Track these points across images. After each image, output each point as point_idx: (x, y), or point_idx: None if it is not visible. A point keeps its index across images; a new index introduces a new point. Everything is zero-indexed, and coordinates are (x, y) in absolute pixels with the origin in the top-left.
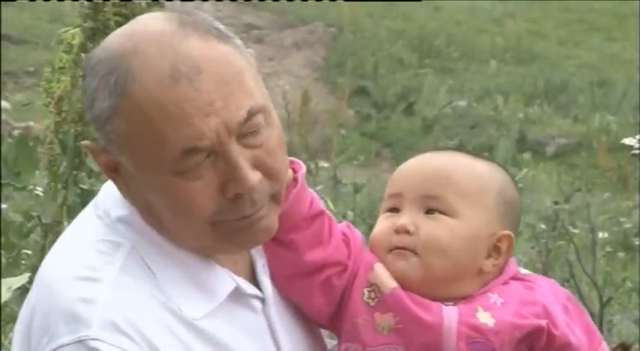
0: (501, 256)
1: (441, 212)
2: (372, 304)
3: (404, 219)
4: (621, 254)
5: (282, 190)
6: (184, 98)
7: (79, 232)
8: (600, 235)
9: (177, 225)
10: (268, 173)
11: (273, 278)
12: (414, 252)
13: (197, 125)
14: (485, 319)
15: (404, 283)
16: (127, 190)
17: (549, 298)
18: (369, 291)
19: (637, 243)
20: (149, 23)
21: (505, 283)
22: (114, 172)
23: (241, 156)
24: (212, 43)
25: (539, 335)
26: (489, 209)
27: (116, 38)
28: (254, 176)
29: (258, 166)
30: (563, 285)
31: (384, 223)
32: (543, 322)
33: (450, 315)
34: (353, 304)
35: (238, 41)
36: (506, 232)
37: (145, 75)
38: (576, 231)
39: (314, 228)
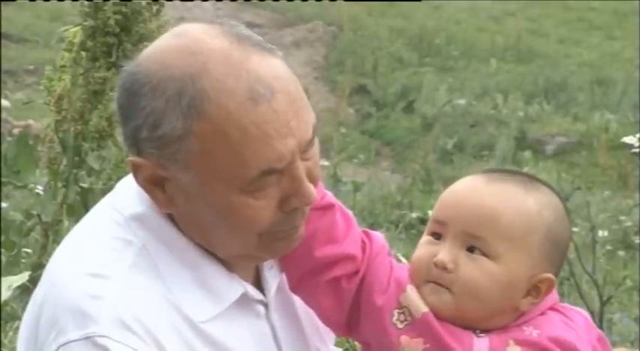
0: (540, 296)
1: (483, 253)
2: (400, 326)
3: (444, 254)
4: (621, 253)
5: None
6: (264, 120)
7: (91, 230)
8: (600, 233)
9: (227, 238)
10: (314, 184)
11: (286, 281)
12: (449, 289)
13: (277, 147)
14: None
15: (436, 314)
16: (169, 203)
17: (583, 340)
18: (399, 313)
19: (637, 241)
20: (207, 39)
21: (542, 313)
22: (155, 185)
23: (303, 171)
24: (269, 58)
25: None
26: (533, 253)
27: (176, 55)
28: (313, 189)
29: (309, 178)
30: (563, 283)
31: (424, 250)
32: None
33: (480, 348)
34: (380, 324)
35: (279, 52)
36: (547, 275)
37: (223, 97)
38: (576, 229)
39: (325, 221)
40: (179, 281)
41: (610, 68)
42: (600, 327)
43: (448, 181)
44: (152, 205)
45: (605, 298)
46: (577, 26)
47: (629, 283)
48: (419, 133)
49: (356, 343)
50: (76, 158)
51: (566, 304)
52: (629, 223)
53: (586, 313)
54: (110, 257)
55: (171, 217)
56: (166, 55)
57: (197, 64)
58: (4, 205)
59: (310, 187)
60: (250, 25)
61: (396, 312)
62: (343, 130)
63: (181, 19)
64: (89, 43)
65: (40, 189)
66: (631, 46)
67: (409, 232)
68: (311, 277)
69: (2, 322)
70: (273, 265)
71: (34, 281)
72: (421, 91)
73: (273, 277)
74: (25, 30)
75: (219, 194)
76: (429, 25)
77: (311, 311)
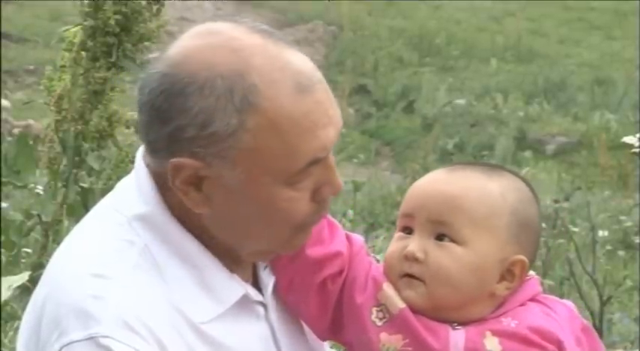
0: (515, 279)
1: (451, 239)
2: (379, 323)
3: (413, 245)
4: (621, 253)
5: None
6: (309, 110)
7: (92, 231)
8: (600, 233)
9: (263, 233)
10: None
11: (276, 286)
12: (423, 280)
13: (321, 137)
14: (492, 345)
15: (412, 308)
16: (204, 202)
17: (565, 330)
18: (377, 310)
19: (637, 241)
20: (242, 36)
21: (522, 304)
22: (191, 185)
23: (333, 160)
24: (295, 51)
25: None
26: (500, 235)
27: (217, 53)
28: (340, 179)
29: None
30: (563, 283)
31: (395, 246)
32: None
33: (456, 341)
34: (360, 322)
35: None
36: (519, 257)
37: (273, 90)
38: (576, 229)
39: None
40: (180, 282)
41: (610, 68)
42: (600, 327)
43: None
44: (155, 205)
45: (605, 298)
46: (577, 26)
47: (629, 283)
48: (419, 133)
49: None
50: (76, 158)
51: (549, 296)
52: (629, 223)
53: (571, 304)
54: (113, 258)
55: (178, 217)
56: (206, 54)
57: (241, 60)
58: (4, 205)
59: (338, 176)
60: None
61: (374, 310)
62: (343, 130)
63: (181, 19)
64: (89, 43)
65: (40, 189)
66: (631, 46)
67: None
68: (301, 278)
69: (2, 322)
70: (267, 265)
71: (34, 281)
72: (421, 91)
73: (269, 277)
74: (25, 30)
75: (264, 188)
76: (429, 25)
77: None
